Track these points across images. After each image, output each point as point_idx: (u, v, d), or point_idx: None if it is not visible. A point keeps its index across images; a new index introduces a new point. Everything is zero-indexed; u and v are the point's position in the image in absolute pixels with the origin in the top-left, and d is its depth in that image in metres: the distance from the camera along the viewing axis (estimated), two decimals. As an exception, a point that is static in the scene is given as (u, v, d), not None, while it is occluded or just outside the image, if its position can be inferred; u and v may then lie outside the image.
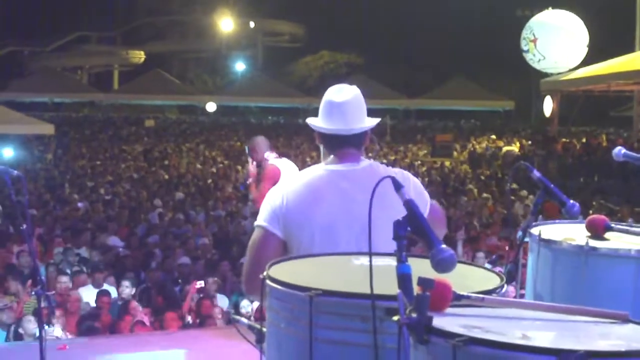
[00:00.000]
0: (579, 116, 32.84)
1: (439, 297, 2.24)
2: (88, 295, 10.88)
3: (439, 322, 2.12)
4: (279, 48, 67.18)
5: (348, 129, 3.71)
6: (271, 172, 8.99)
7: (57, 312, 9.20)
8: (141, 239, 15.23)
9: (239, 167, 27.79)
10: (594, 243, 3.34)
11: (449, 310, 2.30)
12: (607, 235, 3.54)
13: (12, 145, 28.29)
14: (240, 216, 17.71)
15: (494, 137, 39.35)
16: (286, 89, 55.44)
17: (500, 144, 37.78)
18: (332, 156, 3.79)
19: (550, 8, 27.43)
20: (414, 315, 2.12)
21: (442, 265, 2.30)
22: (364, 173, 3.68)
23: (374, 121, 3.80)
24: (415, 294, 2.17)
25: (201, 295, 10.96)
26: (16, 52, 63.59)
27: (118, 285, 11.34)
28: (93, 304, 10.58)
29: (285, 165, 9.09)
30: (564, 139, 31.25)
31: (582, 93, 29.07)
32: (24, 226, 5.21)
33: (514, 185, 19.69)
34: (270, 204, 3.71)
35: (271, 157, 9.18)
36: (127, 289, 11.05)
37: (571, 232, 3.57)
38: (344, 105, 3.70)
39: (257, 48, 68.04)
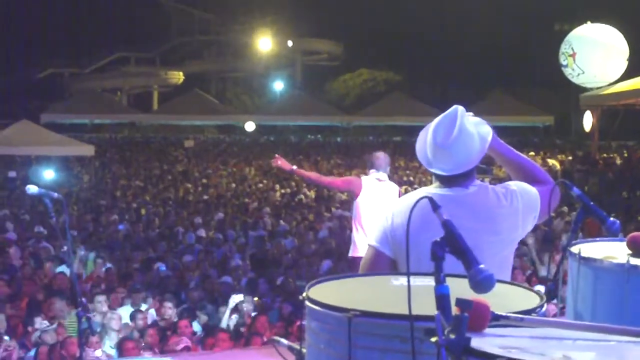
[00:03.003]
0: (619, 131, 32.50)
1: (478, 317, 2.21)
2: (127, 315, 10.91)
3: (477, 342, 2.09)
4: (317, 67, 67.23)
5: (451, 172, 3.60)
6: (350, 179, 9.50)
7: (98, 332, 9.26)
8: (181, 259, 15.28)
9: (277, 186, 27.89)
10: (635, 261, 3.29)
11: (488, 330, 2.27)
12: (649, 252, 3.49)
13: (53, 167, 28.58)
14: (279, 235, 17.72)
15: (532, 153, 39.01)
16: (325, 107, 55.41)
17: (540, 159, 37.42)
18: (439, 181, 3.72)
19: (589, 22, 27.25)
20: (452, 336, 2.10)
21: (481, 286, 2.29)
22: (473, 198, 3.60)
23: (482, 152, 3.61)
24: (453, 314, 2.16)
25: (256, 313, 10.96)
26: (56, 74, 64.31)
27: (160, 306, 11.39)
28: (132, 323, 10.61)
29: (372, 187, 8.98)
30: (604, 154, 30.97)
31: (623, 107, 28.77)
32: (65, 248, 5.27)
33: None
34: (381, 224, 3.75)
35: (371, 175, 9.08)
36: (170, 310, 11.09)
37: (612, 250, 3.52)
38: (447, 150, 3.52)
39: (295, 67, 68.09)
